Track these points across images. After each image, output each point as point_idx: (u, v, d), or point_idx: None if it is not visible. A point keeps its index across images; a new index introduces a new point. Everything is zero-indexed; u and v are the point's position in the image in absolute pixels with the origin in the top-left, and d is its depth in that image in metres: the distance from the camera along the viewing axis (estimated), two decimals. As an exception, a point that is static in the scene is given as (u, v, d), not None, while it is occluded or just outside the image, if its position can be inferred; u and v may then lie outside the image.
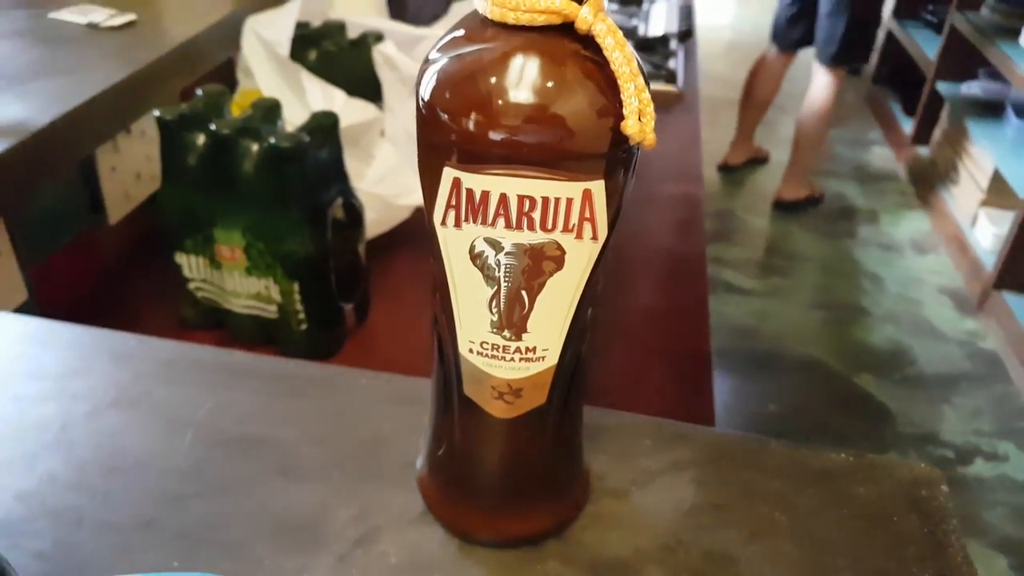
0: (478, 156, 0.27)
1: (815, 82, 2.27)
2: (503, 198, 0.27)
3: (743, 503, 0.40)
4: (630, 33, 1.40)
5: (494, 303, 0.30)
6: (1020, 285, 1.98)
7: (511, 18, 0.26)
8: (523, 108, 0.26)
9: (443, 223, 0.29)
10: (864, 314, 2.10)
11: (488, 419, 0.33)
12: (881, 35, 3.23)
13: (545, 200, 0.27)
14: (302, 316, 0.71)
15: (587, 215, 0.28)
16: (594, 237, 0.29)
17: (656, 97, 1.12)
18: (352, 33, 0.93)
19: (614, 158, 0.28)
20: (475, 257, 0.29)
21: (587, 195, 0.27)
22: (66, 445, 0.40)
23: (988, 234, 2.15)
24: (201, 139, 0.68)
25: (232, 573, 0.34)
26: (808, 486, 0.41)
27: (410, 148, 0.86)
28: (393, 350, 0.74)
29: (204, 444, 0.41)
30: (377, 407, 0.43)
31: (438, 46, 0.28)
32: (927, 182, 2.57)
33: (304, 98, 0.83)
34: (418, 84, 0.28)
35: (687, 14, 1.49)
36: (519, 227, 0.28)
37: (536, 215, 0.28)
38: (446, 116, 0.27)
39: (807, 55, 2.33)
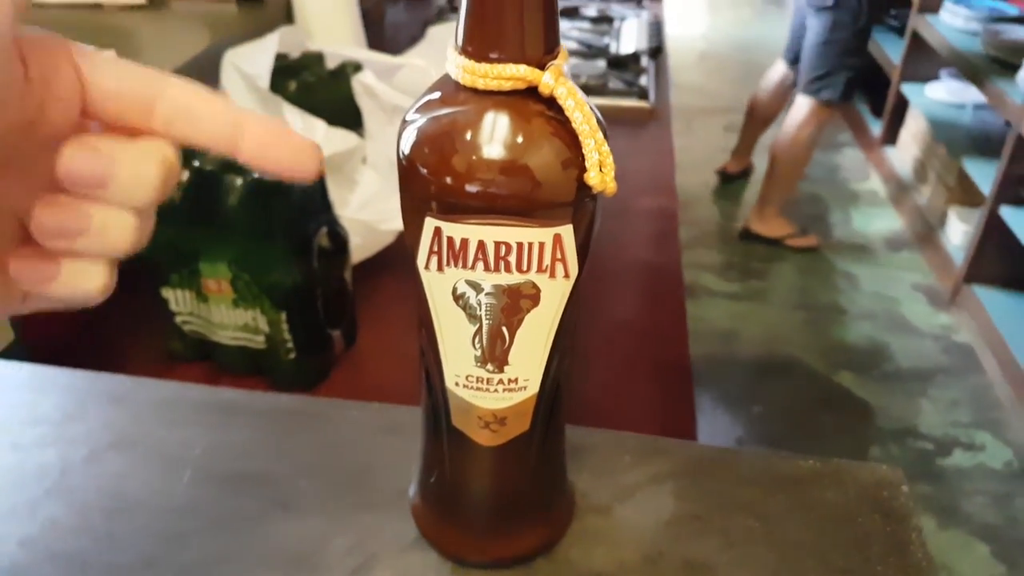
0: (457, 207, 0.29)
1: (792, 110, 2.20)
2: (481, 244, 0.29)
3: (719, 512, 0.42)
4: (602, 51, 1.43)
5: (477, 339, 0.32)
6: (989, 279, 2.03)
7: (481, 84, 0.28)
8: (496, 163, 0.28)
9: (427, 267, 0.31)
10: (841, 313, 2.14)
11: (475, 447, 0.35)
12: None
13: (520, 245, 0.29)
14: (290, 345, 0.72)
15: (558, 256, 0.30)
16: (566, 275, 0.31)
17: (629, 113, 1.15)
18: (331, 63, 0.95)
19: (580, 204, 0.30)
20: (458, 298, 0.31)
21: (557, 239, 0.30)
22: (67, 490, 0.41)
23: (957, 231, 2.21)
24: (185, 175, 0.69)
25: (236, 605, 0.36)
26: (778, 492, 0.43)
27: (392, 174, 0.87)
28: (382, 373, 0.76)
29: (202, 482, 0.42)
30: (368, 438, 0.45)
31: (416, 107, 0.31)
32: (897, 182, 2.63)
33: (284, 130, 0.85)
34: (399, 142, 0.31)
35: (657, 31, 1.53)
36: (497, 270, 0.30)
37: (512, 258, 0.30)
38: (426, 171, 0.29)
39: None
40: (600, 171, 0.28)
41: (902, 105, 2.66)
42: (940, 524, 1.55)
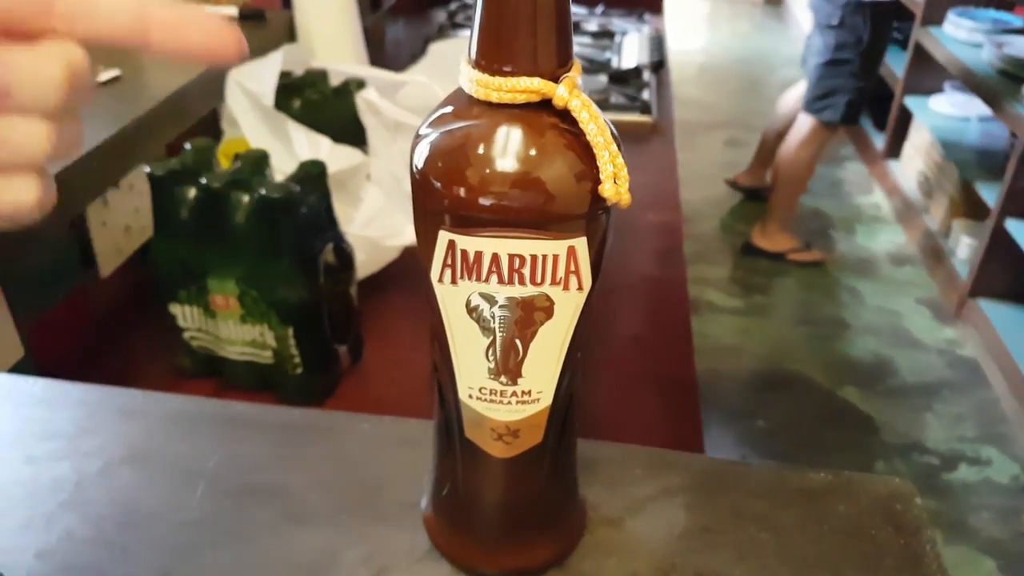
0: (470, 220, 0.29)
1: (795, 127, 2.21)
2: (495, 257, 0.30)
3: (730, 525, 0.42)
4: (603, 66, 1.44)
5: (490, 351, 0.32)
6: (995, 293, 2.03)
7: (495, 97, 0.29)
8: (510, 177, 0.29)
9: (440, 280, 0.31)
10: (845, 328, 2.14)
11: (488, 459, 0.35)
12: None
13: (534, 258, 0.30)
14: (297, 360, 0.72)
15: (572, 268, 0.31)
16: (579, 288, 0.31)
17: (632, 128, 1.15)
18: (334, 81, 0.96)
19: (594, 217, 0.30)
20: (471, 311, 0.31)
21: (571, 251, 0.30)
22: (81, 503, 0.41)
23: (962, 244, 2.21)
24: (192, 193, 0.70)
25: (249, 618, 0.36)
26: (790, 505, 0.43)
27: (396, 190, 0.89)
28: (388, 388, 0.76)
29: (215, 495, 0.42)
30: (380, 451, 0.45)
31: (428, 121, 0.31)
32: (900, 196, 2.63)
33: (291, 147, 0.86)
34: (412, 156, 0.31)
35: (658, 44, 1.54)
36: (511, 282, 0.30)
37: (526, 271, 0.30)
38: (439, 185, 0.30)
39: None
40: (615, 183, 0.28)
41: (906, 118, 2.67)
42: (946, 539, 1.54)
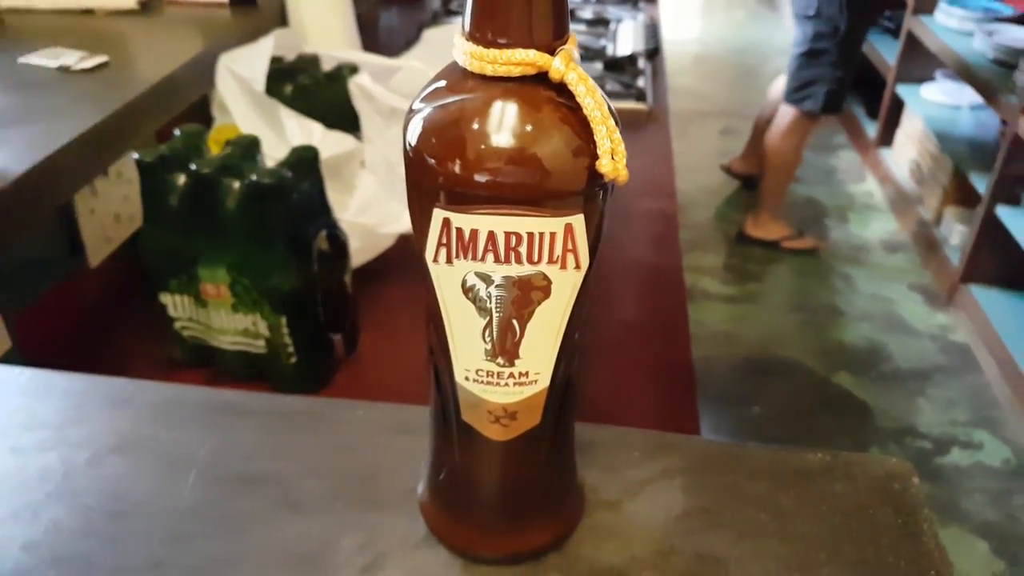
0: (465, 197, 0.29)
1: (777, 117, 2.21)
2: (491, 235, 0.29)
3: (729, 506, 0.42)
4: (598, 53, 1.43)
5: (487, 332, 0.32)
6: (986, 279, 2.03)
7: (489, 70, 0.28)
8: (506, 152, 0.28)
9: (435, 260, 0.31)
10: (838, 314, 2.14)
11: (486, 442, 0.35)
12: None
13: (530, 235, 0.29)
14: (291, 350, 0.72)
15: (570, 247, 0.30)
16: (577, 266, 0.31)
17: (627, 115, 1.15)
18: (327, 66, 0.95)
19: (591, 193, 0.30)
20: (467, 291, 0.31)
21: (569, 229, 0.29)
22: (69, 493, 0.41)
23: (953, 231, 2.21)
24: (182, 179, 0.69)
25: (244, 606, 0.35)
26: (788, 486, 0.43)
27: (390, 177, 0.88)
28: (384, 378, 0.76)
29: (207, 483, 0.42)
30: (375, 437, 0.45)
31: (422, 96, 0.30)
32: (893, 184, 2.64)
33: (282, 133, 0.85)
34: (405, 132, 0.30)
35: (653, 32, 1.53)
36: (507, 261, 0.30)
37: (523, 249, 0.29)
38: (433, 161, 0.29)
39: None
40: (612, 159, 0.28)
41: (897, 107, 2.67)
42: (939, 522, 1.53)
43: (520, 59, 0.27)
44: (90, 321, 0.81)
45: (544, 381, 0.33)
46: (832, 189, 2.75)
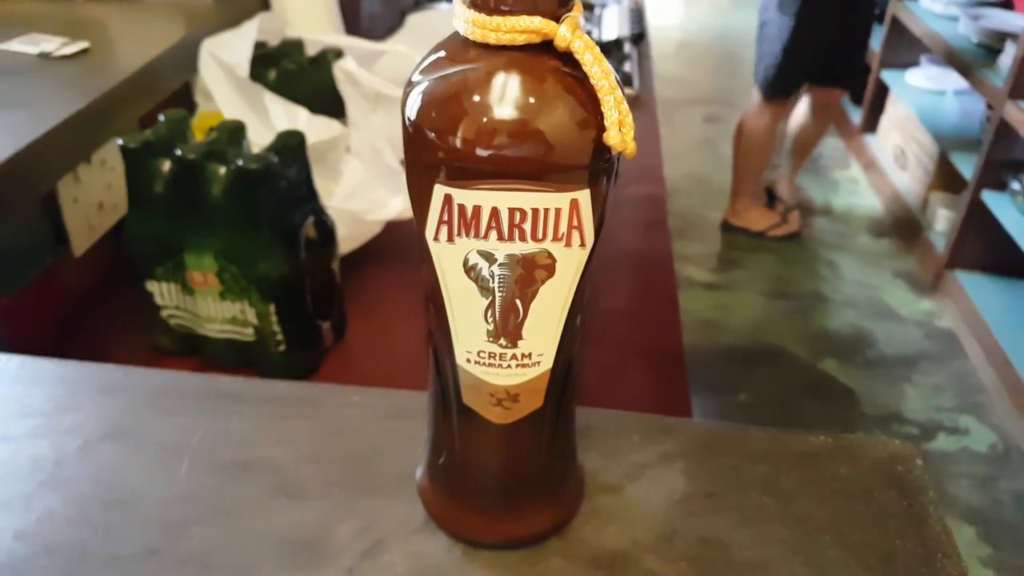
0: (468, 172, 0.28)
1: (751, 100, 2.21)
2: (495, 211, 0.28)
3: (731, 489, 0.41)
4: (583, 38, 1.41)
5: (489, 313, 0.31)
6: (971, 264, 2.05)
7: (492, 39, 0.27)
8: (510, 124, 0.27)
9: (436, 239, 0.30)
10: (824, 301, 2.15)
11: (487, 425, 0.34)
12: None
13: (535, 211, 0.28)
14: (280, 337, 0.71)
15: (575, 223, 0.29)
16: (582, 244, 0.30)
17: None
18: (311, 50, 0.93)
19: (597, 168, 0.29)
20: (469, 270, 0.30)
21: (574, 204, 0.29)
22: (62, 481, 0.40)
23: (938, 217, 2.23)
24: (167, 165, 0.67)
25: (241, 595, 0.35)
26: (791, 469, 0.43)
27: (377, 163, 0.87)
28: (372, 365, 0.75)
29: (201, 470, 0.41)
30: (371, 422, 0.44)
31: (421, 68, 0.29)
32: (877, 169, 2.65)
33: (267, 118, 0.84)
34: (404, 105, 0.29)
35: (638, 17, 1.52)
36: (511, 238, 0.29)
37: (527, 226, 0.29)
38: (434, 135, 0.28)
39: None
40: (620, 130, 0.27)
41: (882, 92, 2.68)
42: (927, 507, 1.55)
43: (525, 26, 0.27)
44: (75, 311, 0.80)
45: (547, 363, 0.33)
46: (817, 176, 2.75)
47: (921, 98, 2.45)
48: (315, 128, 0.84)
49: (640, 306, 0.87)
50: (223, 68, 0.85)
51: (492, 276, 0.30)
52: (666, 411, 0.74)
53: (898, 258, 2.31)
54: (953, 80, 2.39)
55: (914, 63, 2.60)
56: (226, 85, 0.85)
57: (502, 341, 0.32)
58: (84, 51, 0.86)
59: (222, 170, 0.66)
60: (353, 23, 1.19)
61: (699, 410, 1.78)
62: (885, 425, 1.77)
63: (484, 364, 0.32)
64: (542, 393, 0.34)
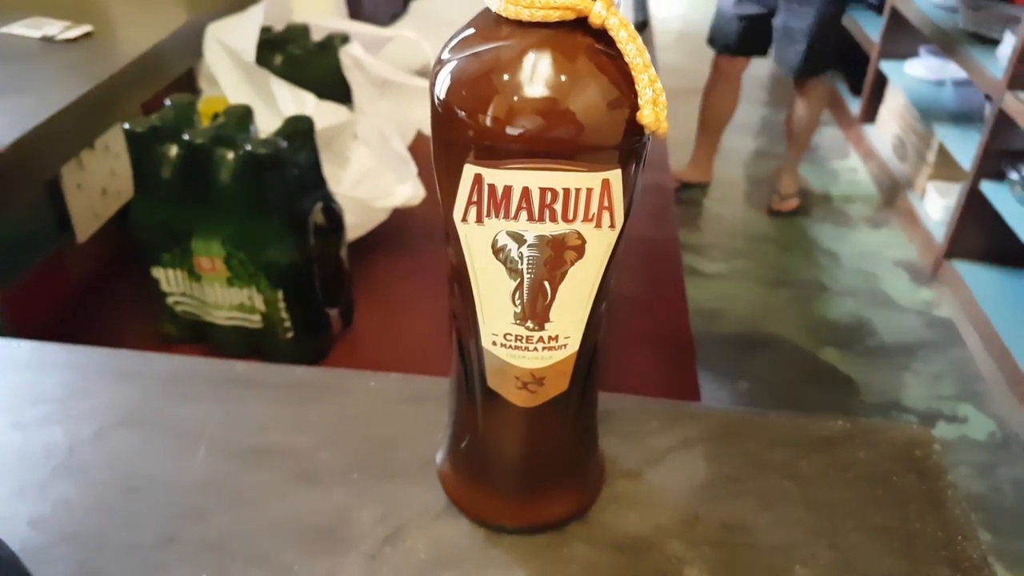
0: (499, 152, 0.28)
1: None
2: (526, 191, 0.28)
3: (752, 474, 0.41)
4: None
5: (517, 295, 0.31)
6: (969, 254, 2.05)
7: (526, 15, 0.27)
8: (544, 103, 0.27)
9: (464, 219, 0.30)
10: (823, 290, 2.15)
11: (511, 409, 0.34)
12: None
13: (566, 191, 0.28)
14: (288, 324, 0.70)
15: (606, 204, 0.29)
16: (612, 225, 0.30)
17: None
18: (317, 36, 0.92)
19: (629, 147, 0.28)
20: (498, 251, 0.30)
21: (606, 184, 0.28)
22: (77, 468, 0.39)
23: (937, 206, 2.23)
24: (174, 150, 0.67)
25: (262, 581, 0.34)
26: (811, 453, 0.42)
27: (384, 149, 0.86)
28: (380, 352, 0.75)
29: (218, 457, 0.40)
30: (389, 407, 0.44)
31: (450, 46, 0.29)
32: (876, 160, 2.65)
33: (274, 103, 0.83)
34: (432, 84, 0.29)
35: (642, 4, 1.51)
36: (541, 219, 0.29)
37: (558, 207, 0.28)
38: (464, 114, 0.28)
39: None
40: (654, 108, 0.26)
41: (881, 83, 2.68)
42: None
43: (559, 2, 0.26)
44: (80, 298, 0.79)
45: (573, 345, 0.32)
46: (816, 166, 2.75)
47: (920, 88, 2.45)
48: (322, 114, 0.83)
49: (648, 293, 0.87)
50: (228, 53, 0.84)
51: (521, 257, 0.30)
52: (675, 397, 0.74)
53: (897, 247, 2.31)
54: (952, 70, 2.38)
55: (913, 53, 2.60)
56: (232, 70, 0.84)
57: (529, 324, 0.31)
58: (87, 35, 0.85)
59: (230, 155, 0.65)
60: (357, 8, 1.18)
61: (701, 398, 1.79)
62: (885, 413, 1.77)
63: (510, 347, 0.32)
64: (568, 376, 0.33)
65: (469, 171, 0.28)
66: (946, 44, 2.14)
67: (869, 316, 2.05)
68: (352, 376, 0.45)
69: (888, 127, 2.64)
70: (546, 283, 0.30)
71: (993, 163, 1.90)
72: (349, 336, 0.76)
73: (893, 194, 2.48)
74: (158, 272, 0.71)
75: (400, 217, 0.81)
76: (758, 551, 0.37)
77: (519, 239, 0.29)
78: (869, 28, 2.77)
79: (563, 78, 0.27)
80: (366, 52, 0.88)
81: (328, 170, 0.75)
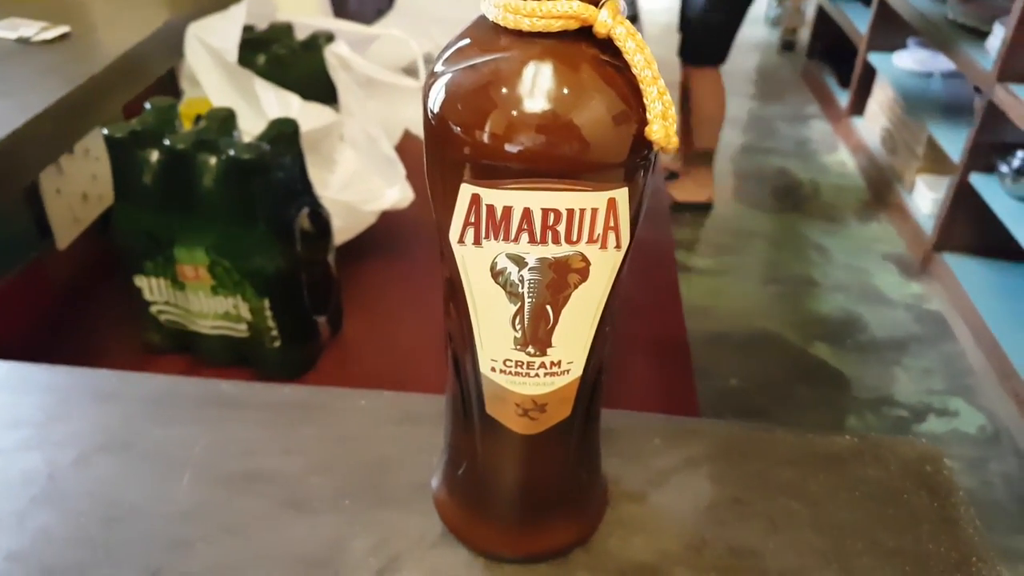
0: (498, 170, 0.26)
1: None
2: (526, 212, 0.26)
3: (759, 495, 0.40)
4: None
5: (517, 320, 0.29)
6: (959, 247, 2.05)
7: (526, 25, 0.25)
8: (546, 118, 0.25)
9: (460, 241, 0.28)
10: (814, 285, 2.15)
11: (511, 436, 0.32)
12: (812, 11, 3.31)
13: (570, 212, 0.26)
14: (275, 333, 0.68)
15: (611, 224, 0.27)
16: (617, 246, 0.28)
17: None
18: (301, 34, 0.90)
19: (635, 164, 0.27)
20: (497, 274, 0.28)
21: (612, 204, 0.27)
22: (57, 497, 0.38)
23: (926, 199, 2.22)
24: (155, 155, 0.65)
25: (252, 617, 0.33)
26: (819, 472, 0.41)
27: (372, 151, 0.84)
28: (371, 360, 0.73)
29: (204, 483, 0.39)
30: (380, 428, 0.42)
31: (445, 57, 0.27)
32: (865, 152, 2.64)
33: (258, 105, 0.81)
34: (426, 98, 0.27)
35: (631, -1, 1.50)
36: (544, 241, 0.27)
37: (561, 228, 0.27)
38: (460, 130, 0.26)
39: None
40: (663, 123, 0.25)
41: (869, 75, 2.67)
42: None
43: (562, 11, 0.24)
44: (61, 306, 0.77)
45: (576, 371, 0.31)
46: (805, 160, 2.75)
47: (908, 80, 2.44)
48: (308, 115, 0.81)
49: (642, 297, 0.86)
50: (210, 53, 0.82)
51: (522, 281, 0.28)
52: (671, 403, 0.73)
53: (887, 241, 2.31)
54: (941, 62, 2.38)
55: (901, 45, 2.59)
56: (214, 71, 0.82)
57: (530, 349, 0.30)
58: (65, 36, 0.83)
59: (213, 160, 0.63)
60: (341, 6, 1.16)
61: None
62: (876, 408, 1.77)
63: (510, 373, 0.30)
64: (571, 402, 0.32)
65: (466, 191, 0.27)
66: (935, 36, 2.13)
67: (859, 311, 2.05)
68: (342, 395, 0.43)
69: (877, 120, 2.63)
70: (548, 307, 0.29)
71: (983, 156, 1.90)
72: (338, 343, 0.74)
73: (882, 188, 2.48)
74: (141, 281, 0.69)
75: (389, 220, 0.79)
76: (767, 577, 0.36)
77: (520, 262, 0.28)
78: (857, 20, 2.77)
79: (566, 91, 0.25)
80: (352, 51, 0.86)
81: (314, 173, 0.73)
